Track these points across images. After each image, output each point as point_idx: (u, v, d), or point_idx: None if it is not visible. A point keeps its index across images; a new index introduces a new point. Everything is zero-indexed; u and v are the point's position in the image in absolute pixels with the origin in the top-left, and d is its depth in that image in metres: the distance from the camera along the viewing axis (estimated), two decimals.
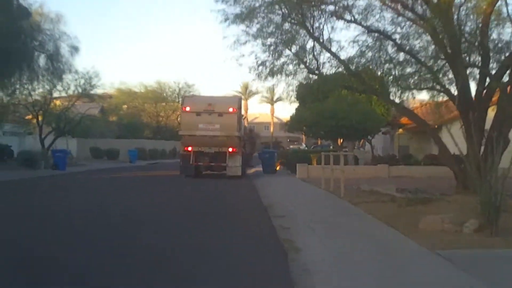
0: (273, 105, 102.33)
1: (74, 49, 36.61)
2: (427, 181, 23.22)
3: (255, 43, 17.14)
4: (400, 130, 38.82)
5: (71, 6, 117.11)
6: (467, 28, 15.61)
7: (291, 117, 34.40)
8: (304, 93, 38.32)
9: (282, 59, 17.04)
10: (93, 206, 14.41)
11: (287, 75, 17.25)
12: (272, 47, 16.86)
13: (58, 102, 48.12)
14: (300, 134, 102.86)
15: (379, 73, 16.66)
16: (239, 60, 17.45)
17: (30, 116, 40.12)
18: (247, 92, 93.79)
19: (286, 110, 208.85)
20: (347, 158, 29.63)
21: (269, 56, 16.89)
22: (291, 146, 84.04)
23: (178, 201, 16.47)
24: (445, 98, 17.75)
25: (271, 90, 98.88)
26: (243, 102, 36.42)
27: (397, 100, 17.43)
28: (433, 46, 15.79)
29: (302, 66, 17.20)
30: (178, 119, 28.92)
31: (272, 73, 16.98)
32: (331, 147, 65.67)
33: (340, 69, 17.03)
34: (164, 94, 74.63)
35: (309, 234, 9.49)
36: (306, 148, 76.24)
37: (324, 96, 35.27)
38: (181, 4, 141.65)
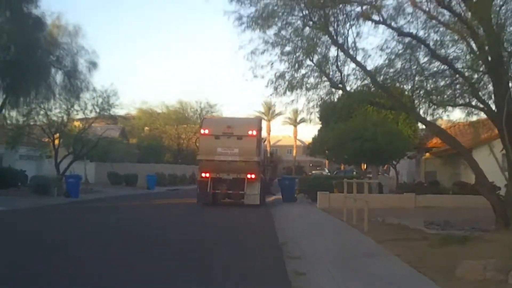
0: (296, 127, 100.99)
1: (92, 65, 35.62)
2: (457, 212, 21.66)
3: (273, 52, 15.73)
4: (427, 154, 37.14)
5: (88, 18, 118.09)
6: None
7: (313, 139, 32.98)
8: (327, 113, 37.17)
9: (302, 71, 15.60)
10: (86, 240, 13.21)
11: (307, 89, 15.79)
12: (291, 56, 15.41)
13: (77, 123, 47.45)
14: (323, 159, 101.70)
15: (409, 86, 15.07)
16: (255, 71, 15.99)
17: (47, 139, 39.23)
18: (270, 112, 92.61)
19: (310, 132, 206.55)
20: (371, 186, 28.17)
21: (288, 68, 15.47)
22: (314, 172, 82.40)
23: (184, 234, 15.15)
24: (481, 116, 16.12)
25: (295, 111, 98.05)
26: (265, 123, 35.34)
27: (428, 118, 15.70)
28: (469, 56, 14.08)
29: (324, 78, 15.72)
30: (197, 142, 27.40)
31: (291, 87, 15.53)
32: (354, 172, 64.45)
33: (365, 82, 15.45)
34: (186, 115, 73.54)
35: (328, 283, 8.14)
36: (329, 173, 74.61)
37: (348, 116, 34.00)
38: (202, 21, 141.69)
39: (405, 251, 10.35)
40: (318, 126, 35.18)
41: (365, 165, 33.36)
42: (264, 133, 29.68)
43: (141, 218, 20.37)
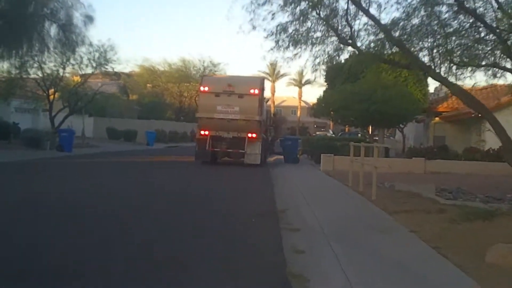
0: (301, 88, 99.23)
1: (88, 19, 33.98)
2: (468, 179, 20.40)
3: (275, 1, 13.99)
4: (437, 118, 35.62)
5: None
6: None
7: (318, 100, 31.47)
8: (333, 74, 35.67)
9: (307, 24, 13.90)
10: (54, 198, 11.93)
11: (313, 44, 14.12)
12: (295, 6, 13.64)
13: (76, 78, 46.07)
14: (327, 120, 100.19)
15: (428, 44, 13.33)
16: (255, 22, 14.32)
17: (42, 92, 37.79)
18: (274, 73, 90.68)
19: (315, 93, 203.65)
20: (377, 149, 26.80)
21: (291, 20, 13.78)
22: (318, 133, 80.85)
23: (175, 196, 13.84)
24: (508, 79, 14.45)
25: (300, 73, 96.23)
26: (269, 84, 33.41)
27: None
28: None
29: (331, 33, 14.04)
30: (196, 100, 26.00)
31: (294, 41, 13.91)
32: (359, 135, 63.00)
33: (379, 37, 13.66)
34: (189, 73, 71.76)
35: (331, 263, 6.80)
36: (333, 135, 73.15)
37: (355, 77, 32.45)
38: None
39: (422, 226, 8.99)
40: (323, 88, 33.70)
41: (370, 127, 31.98)
42: (267, 93, 28.14)
43: (128, 177, 18.99)
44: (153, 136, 47.48)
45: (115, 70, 39.54)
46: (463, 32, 12.67)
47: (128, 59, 75.10)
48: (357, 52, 14.18)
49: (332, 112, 28.09)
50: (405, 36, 12.81)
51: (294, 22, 13.75)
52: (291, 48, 14.01)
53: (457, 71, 13.01)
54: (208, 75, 28.10)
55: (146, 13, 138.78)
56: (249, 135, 24.56)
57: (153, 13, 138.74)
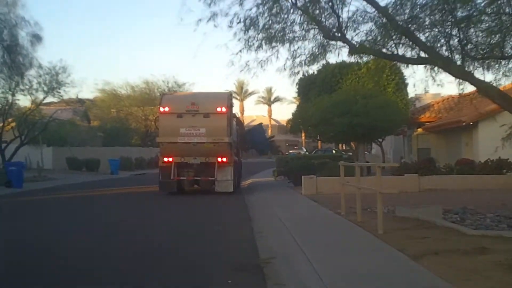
0: (270, 106, 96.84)
1: (36, 38, 31.06)
2: (470, 196, 18.01)
3: None
4: (419, 129, 33.27)
5: None
6: None
7: (293, 115, 28.74)
8: (306, 87, 33.14)
9: (282, 14, 11.07)
10: None
11: (290, 42, 11.37)
12: None
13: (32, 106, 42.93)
14: (299, 137, 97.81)
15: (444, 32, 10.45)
16: (217, 19, 11.52)
17: None
18: (242, 92, 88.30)
19: (285, 111, 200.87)
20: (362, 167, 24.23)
21: (263, 13, 10.99)
22: (291, 151, 78.18)
23: (128, 242, 10.93)
24: None
25: (268, 90, 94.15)
26: (238, 103, 30.34)
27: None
28: None
29: (313, 26, 11.20)
30: (156, 123, 23.13)
31: (268, 39, 11.16)
32: (333, 151, 60.50)
33: (374, 26, 10.80)
34: (153, 95, 68.48)
35: None
36: (307, 153, 70.53)
37: (330, 89, 30.00)
38: None
39: (471, 281, 6.26)
40: (294, 105, 31.24)
41: (343, 144, 29.49)
42: (236, 110, 25.20)
43: (77, 218, 15.94)
44: (117, 164, 44.29)
45: (76, 95, 36.87)
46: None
47: (82, 80, 71.10)
48: (347, 47, 11.34)
49: (309, 127, 25.38)
50: (411, 19, 10.00)
51: (265, 14, 10.99)
52: (264, 47, 11.24)
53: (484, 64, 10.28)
54: (168, 94, 25.22)
55: (103, 33, 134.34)
56: (219, 159, 21.84)
57: (110, 32, 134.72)
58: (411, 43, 10.44)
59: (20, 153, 38.98)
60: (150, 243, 10.56)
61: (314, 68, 12.46)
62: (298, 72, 11.99)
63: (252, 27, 11.00)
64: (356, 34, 11.12)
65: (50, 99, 37.60)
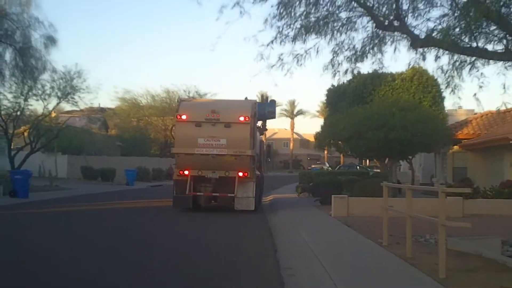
0: (293, 119, 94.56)
1: (50, 40, 29.42)
2: None
3: None
4: (456, 147, 30.82)
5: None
6: None
7: (322, 128, 26.45)
8: (335, 98, 30.98)
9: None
10: None
11: (333, 33, 9.20)
12: None
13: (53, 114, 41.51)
14: (321, 152, 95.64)
15: None
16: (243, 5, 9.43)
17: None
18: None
19: (308, 125, 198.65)
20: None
21: None
22: (313, 166, 75.85)
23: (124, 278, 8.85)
24: None
25: (292, 103, 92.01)
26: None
27: None
28: None
29: (363, 12, 9.00)
30: (172, 132, 21.04)
31: (307, 29, 9.02)
32: (357, 167, 57.96)
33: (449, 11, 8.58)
34: (174, 105, 66.67)
35: None
36: (330, 168, 68.09)
37: (361, 100, 27.86)
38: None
39: None
40: (317, 119, 29.10)
41: (377, 160, 27.21)
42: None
43: (75, 238, 13.83)
44: (133, 174, 42.51)
45: (98, 104, 35.18)
46: None
47: (98, 86, 69.01)
48: (408, 39, 9.10)
49: (340, 142, 23.14)
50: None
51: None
52: (302, 37, 9.09)
53: None
54: (186, 100, 23.05)
55: (122, 38, 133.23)
56: (240, 174, 19.75)
57: (130, 38, 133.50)
58: (496, 32, 8.23)
59: (34, 161, 37.42)
60: (143, 278, 8.46)
61: (361, 67, 10.26)
62: (346, 72, 9.78)
63: (286, 12, 8.87)
64: (421, 22, 8.87)
65: (64, 105, 36.24)
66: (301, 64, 9.71)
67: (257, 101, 21.95)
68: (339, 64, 9.62)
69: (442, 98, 30.04)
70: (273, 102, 26.34)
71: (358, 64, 9.82)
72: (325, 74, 9.68)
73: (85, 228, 15.56)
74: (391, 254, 10.48)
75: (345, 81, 30.62)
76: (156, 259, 10.16)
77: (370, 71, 27.31)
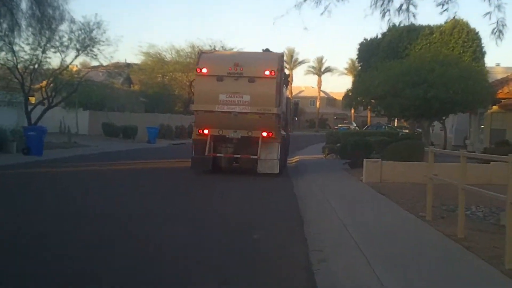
0: (320, 77, 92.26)
1: None
2: None
3: None
4: (494, 107, 28.70)
5: None
6: None
7: (353, 85, 24.57)
8: (367, 52, 28.97)
9: None
10: None
11: None
12: None
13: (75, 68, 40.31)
14: (348, 111, 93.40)
15: None
16: None
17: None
18: (292, 61, 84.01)
19: (335, 83, 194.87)
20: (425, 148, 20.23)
21: None
22: (340, 125, 73.91)
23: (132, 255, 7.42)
24: None
25: (319, 60, 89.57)
26: (286, 72, 25.98)
27: None
28: None
29: None
30: (192, 86, 19.36)
31: None
32: (384, 127, 55.90)
33: None
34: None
35: None
36: (357, 128, 66.10)
37: (396, 55, 25.92)
38: None
39: None
40: (345, 77, 27.22)
41: (395, 119, 25.40)
42: (287, 74, 21.25)
43: (74, 205, 12.39)
44: (155, 132, 41.19)
45: (125, 59, 33.76)
46: None
47: (118, 38, 66.17)
48: None
49: (373, 100, 21.28)
50: None
51: None
52: None
53: None
54: (207, 52, 21.27)
55: None
56: (264, 134, 18.13)
57: None
58: None
59: (55, 117, 36.38)
60: (147, 256, 7.01)
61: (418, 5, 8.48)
62: (400, 8, 8.03)
63: None
64: None
65: (88, 60, 34.83)
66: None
67: (284, 55, 20.08)
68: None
69: (483, 54, 28.01)
70: None
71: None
72: (370, 16, 8.12)
73: (86, 193, 14.10)
74: (438, 232, 8.87)
75: (378, 35, 28.70)
76: (159, 240, 8.63)
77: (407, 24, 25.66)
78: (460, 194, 8.52)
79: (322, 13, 8.76)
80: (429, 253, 7.48)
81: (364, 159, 17.70)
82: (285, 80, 21.61)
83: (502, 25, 8.78)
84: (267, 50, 20.25)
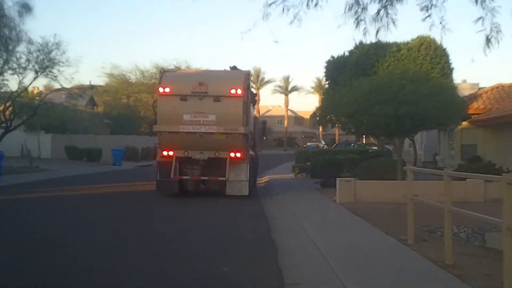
0: (287, 96, 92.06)
1: (25, 8, 26.86)
2: None
3: None
4: (464, 123, 28.41)
5: None
6: None
7: (323, 102, 24.00)
8: (335, 70, 28.48)
9: None
10: None
11: None
12: None
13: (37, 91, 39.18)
14: (316, 129, 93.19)
15: None
16: None
17: None
18: (259, 80, 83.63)
19: (302, 102, 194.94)
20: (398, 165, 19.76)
21: None
22: (309, 144, 73.59)
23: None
24: None
25: (286, 79, 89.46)
26: (253, 87, 24.93)
27: None
28: None
29: None
30: (154, 107, 18.46)
31: None
32: (352, 145, 55.52)
33: None
34: None
35: None
36: (326, 146, 65.76)
37: (363, 73, 25.50)
38: None
39: None
40: (311, 95, 26.67)
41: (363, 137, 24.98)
42: (254, 92, 20.58)
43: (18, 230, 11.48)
44: (121, 154, 40.23)
45: (89, 81, 32.96)
46: None
47: (79, 59, 65.11)
48: None
49: (343, 118, 20.67)
50: None
51: None
52: None
53: None
54: (170, 71, 20.40)
55: (106, 6, 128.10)
56: (232, 154, 17.42)
57: (117, 8, 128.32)
58: None
59: (16, 140, 35.08)
60: None
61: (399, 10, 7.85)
62: (377, 14, 7.39)
63: None
64: None
65: (53, 83, 33.74)
66: (315, 7, 7.39)
67: (250, 74, 19.41)
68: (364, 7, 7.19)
69: (451, 70, 27.82)
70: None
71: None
72: (344, 24, 7.49)
73: (42, 220, 13.15)
74: (424, 258, 8.20)
75: (345, 53, 28.33)
76: (119, 271, 7.79)
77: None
78: (446, 217, 7.90)
79: (291, 22, 8.12)
80: (420, 285, 6.78)
81: (337, 178, 17.08)
82: (252, 99, 20.97)
83: (497, 31, 8.20)
84: (234, 67, 19.60)
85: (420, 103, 18.03)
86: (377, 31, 7.45)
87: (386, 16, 7.73)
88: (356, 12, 7.45)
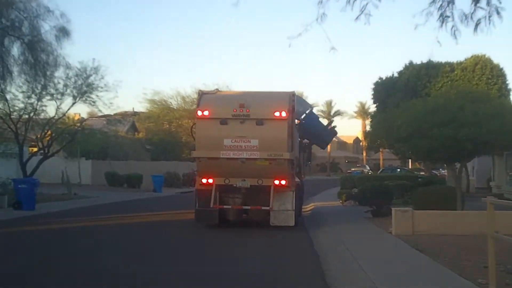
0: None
1: (62, 32, 26.36)
2: None
3: None
4: None
5: None
6: None
7: (372, 126, 22.55)
8: (384, 92, 27.04)
9: None
10: None
11: None
12: None
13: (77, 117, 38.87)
14: (359, 154, 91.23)
15: None
16: None
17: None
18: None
19: (345, 126, 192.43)
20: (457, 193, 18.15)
21: None
22: (353, 169, 71.66)
23: None
24: None
25: (328, 103, 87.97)
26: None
27: None
28: None
29: None
30: (192, 131, 17.24)
31: None
32: (398, 170, 53.52)
33: None
34: None
35: None
36: (371, 172, 63.85)
37: (415, 94, 24.04)
38: None
39: None
40: (355, 120, 25.20)
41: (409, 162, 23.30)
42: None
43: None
44: (161, 180, 39.36)
45: (132, 108, 32.49)
46: None
47: (117, 84, 64.77)
48: None
49: (397, 143, 19.15)
50: None
51: None
52: None
53: None
54: (209, 93, 18.94)
55: (147, 32, 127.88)
56: (276, 182, 16.06)
57: (157, 34, 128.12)
58: None
59: (56, 167, 34.61)
60: None
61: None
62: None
63: None
64: None
65: (80, 106, 33.39)
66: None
67: (296, 94, 18.11)
68: None
69: (509, 91, 26.15)
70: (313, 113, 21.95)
71: None
72: (423, 24, 6.15)
73: (72, 253, 12.04)
74: None
75: (394, 74, 26.94)
76: None
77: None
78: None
79: (357, 17, 6.88)
80: None
81: (392, 208, 15.54)
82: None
83: None
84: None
85: (482, 125, 16.45)
86: (476, 24, 6.08)
87: (488, 5, 6.28)
88: (440, 6, 6.06)
